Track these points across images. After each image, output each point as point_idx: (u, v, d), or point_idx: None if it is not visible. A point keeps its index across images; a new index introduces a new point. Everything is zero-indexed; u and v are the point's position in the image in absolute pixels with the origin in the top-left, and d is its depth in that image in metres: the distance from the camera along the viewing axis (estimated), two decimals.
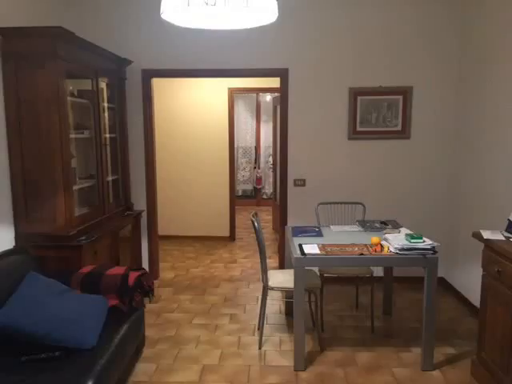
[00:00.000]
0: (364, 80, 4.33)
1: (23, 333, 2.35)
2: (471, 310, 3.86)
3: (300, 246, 3.10)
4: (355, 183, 4.48)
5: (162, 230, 5.48)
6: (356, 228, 3.66)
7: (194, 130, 6.26)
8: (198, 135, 6.26)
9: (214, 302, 4.17)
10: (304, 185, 4.51)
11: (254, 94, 8.57)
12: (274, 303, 4.13)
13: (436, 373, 2.99)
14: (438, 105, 4.36)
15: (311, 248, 3.05)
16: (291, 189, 4.52)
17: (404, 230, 3.40)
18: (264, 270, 3.34)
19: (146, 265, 4.63)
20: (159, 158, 5.10)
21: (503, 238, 2.67)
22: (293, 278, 2.97)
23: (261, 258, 3.34)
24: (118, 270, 2.98)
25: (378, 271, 3.90)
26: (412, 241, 2.95)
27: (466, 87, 4.13)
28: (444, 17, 4.24)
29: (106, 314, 2.70)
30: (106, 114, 3.97)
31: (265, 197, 9.09)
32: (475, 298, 3.58)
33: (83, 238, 3.26)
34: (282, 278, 3.36)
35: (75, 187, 3.43)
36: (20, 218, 3.19)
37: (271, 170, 7.73)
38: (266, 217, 7.71)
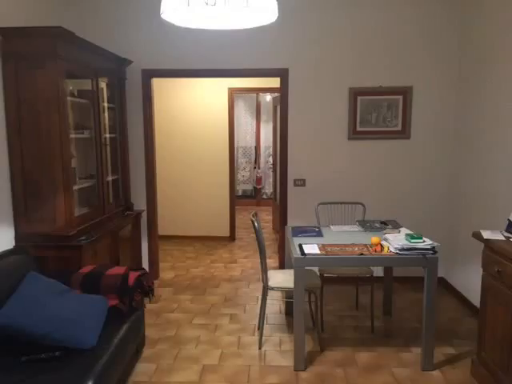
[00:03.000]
0: (364, 80, 4.33)
1: (23, 333, 2.35)
2: (471, 310, 3.86)
3: (300, 246, 3.10)
4: (355, 183, 4.48)
5: (162, 229, 5.48)
6: (356, 228, 3.66)
7: (194, 129, 6.26)
8: (198, 135, 6.26)
9: (214, 302, 4.17)
10: (304, 185, 4.51)
11: (254, 94, 8.57)
12: (274, 303, 4.13)
13: (436, 373, 2.99)
14: (438, 105, 4.36)
15: (311, 248, 3.05)
16: (291, 189, 4.52)
17: (404, 230, 3.39)
18: (264, 270, 3.34)
19: (146, 265, 4.63)
20: (159, 158, 5.11)
21: (503, 238, 2.67)
22: (293, 278, 2.97)
23: (261, 258, 3.34)
24: (117, 270, 2.98)
25: (378, 271, 3.90)
26: (412, 241, 2.95)
27: (466, 87, 4.13)
28: (444, 17, 4.24)
29: (106, 313, 2.70)
30: (106, 114, 3.97)
31: (265, 197, 9.09)
32: (475, 298, 3.58)
33: (83, 238, 3.26)
34: (281, 278, 3.36)
35: (75, 187, 3.43)
36: (20, 218, 3.19)
37: (271, 169, 7.73)
38: (266, 217, 7.71)
